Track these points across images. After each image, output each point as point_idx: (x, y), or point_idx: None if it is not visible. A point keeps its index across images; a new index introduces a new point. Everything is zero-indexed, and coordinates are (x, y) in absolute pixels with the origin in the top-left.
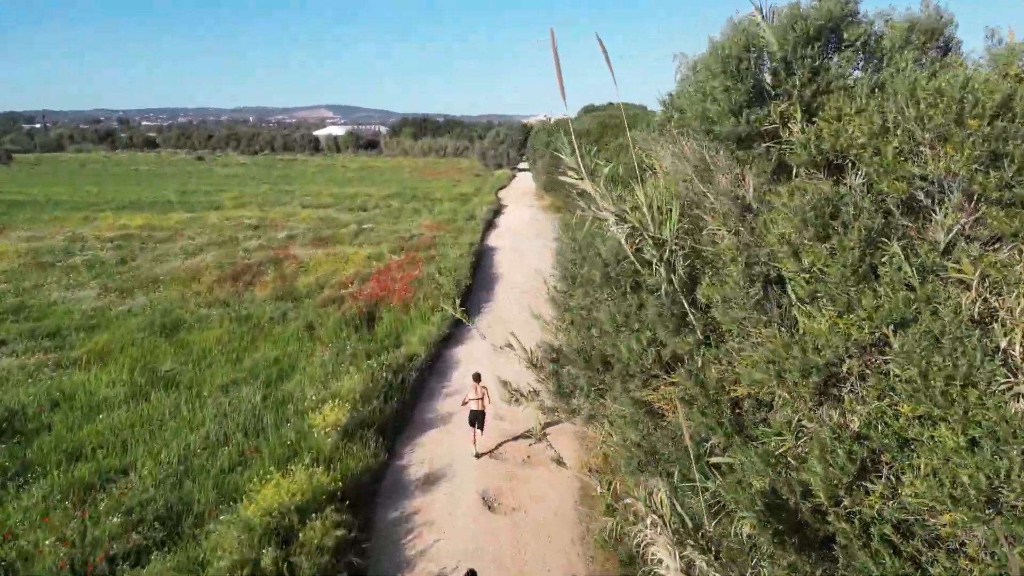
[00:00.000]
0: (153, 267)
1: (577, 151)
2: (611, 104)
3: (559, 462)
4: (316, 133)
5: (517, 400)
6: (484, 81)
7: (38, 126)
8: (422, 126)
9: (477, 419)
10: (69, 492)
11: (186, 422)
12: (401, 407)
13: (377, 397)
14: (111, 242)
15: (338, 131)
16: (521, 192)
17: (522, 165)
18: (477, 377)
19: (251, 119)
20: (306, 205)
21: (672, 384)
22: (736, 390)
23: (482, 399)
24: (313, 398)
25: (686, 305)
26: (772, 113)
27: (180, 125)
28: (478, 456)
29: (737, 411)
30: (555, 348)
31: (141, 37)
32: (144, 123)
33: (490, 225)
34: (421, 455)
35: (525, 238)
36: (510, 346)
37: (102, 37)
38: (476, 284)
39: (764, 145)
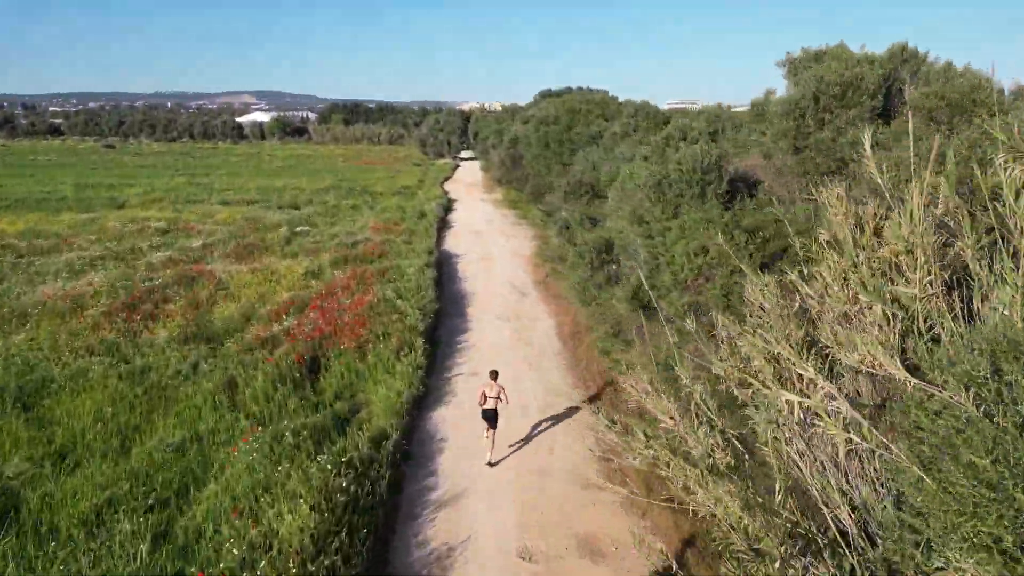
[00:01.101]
0: (23, 294)
1: None
2: (570, 90)
3: None
4: (239, 119)
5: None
6: (416, 67)
7: None
8: (353, 112)
9: (491, 418)
10: None
11: None
12: (373, 545)
13: (337, 533)
14: None
15: (263, 117)
16: (469, 183)
17: (465, 154)
18: (494, 375)
19: (169, 105)
20: (227, 202)
21: None
22: None
23: (498, 397)
24: (235, 551)
25: None
26: None
27: (90, 111)
28: (491, 465)
29: None
30: None
31: (47, 15)
32: (51, 108)
33: (444, 224)
34: None
35: (488, 238)
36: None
37: (2, 13)
38: (444, 307)
39: None
